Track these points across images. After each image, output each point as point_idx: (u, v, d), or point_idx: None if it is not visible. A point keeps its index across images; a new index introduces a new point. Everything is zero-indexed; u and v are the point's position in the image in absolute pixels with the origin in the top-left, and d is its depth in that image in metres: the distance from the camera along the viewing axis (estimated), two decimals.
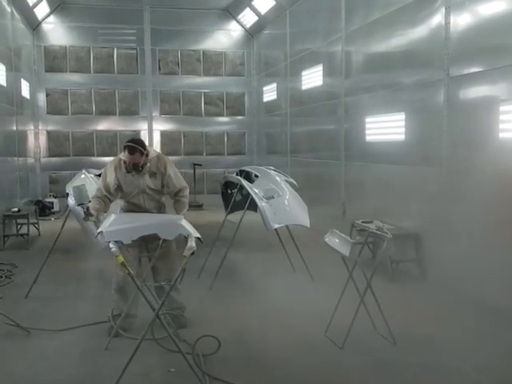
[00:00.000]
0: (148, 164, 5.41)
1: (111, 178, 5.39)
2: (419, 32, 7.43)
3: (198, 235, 4.44)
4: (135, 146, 5.30)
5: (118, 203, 5.65)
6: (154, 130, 15.64)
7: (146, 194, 5.48)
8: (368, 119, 9.07)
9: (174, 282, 4.38)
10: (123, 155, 5.37)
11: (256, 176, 8.45)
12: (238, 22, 16.05)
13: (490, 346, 4.96)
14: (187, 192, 5.80)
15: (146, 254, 5.48)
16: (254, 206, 7.84)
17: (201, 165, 15.67)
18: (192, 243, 4.30)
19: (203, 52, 15.98)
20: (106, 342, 5.03)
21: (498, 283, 5.80)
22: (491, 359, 4.71)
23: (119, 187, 5.42)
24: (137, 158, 5.29)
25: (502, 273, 5.76)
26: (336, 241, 5.17)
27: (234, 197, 8.41)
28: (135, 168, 5.35)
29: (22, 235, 10.21)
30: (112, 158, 5.93)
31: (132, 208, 5.53)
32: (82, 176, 8.43)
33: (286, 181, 8.09)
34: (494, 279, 5.87)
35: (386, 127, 8.50)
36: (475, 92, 6.48)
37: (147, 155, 5.39)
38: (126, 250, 5.02)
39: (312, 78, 11.60)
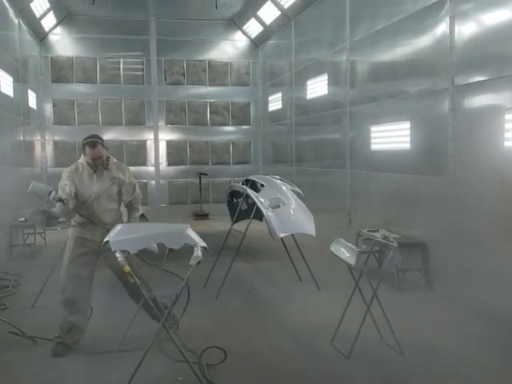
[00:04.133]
0: (111, 161, 5.39)
1: (68, 184, 5.15)
2: (424, 41, 7.45)
3: (204, 244, 4.44)
4: (95, 139, 5.27)
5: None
6: (159, 140, 15.70)
7: (101, 201, 5.29)
8: (373, 128, 9.08)
9: (179, 292, 4.36)
10: (83, 157, 5.31)
11: (262, 185, 8.47)
12: (244, 32, 16.13)
13: (499, 355, 4.94)
14: (140, 199, 5.75)
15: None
16: (259, 215, 7.86)
17: (206, 174, 15.73)
18: (198, 252, 4.30)
19: (209, 62, 16.06)
20: (112, 350, 5.03)
21: (505, 292, 5.77)
22: (500, 367, 4.68)
23: (75, 194, 5.18)
24: (99, 150, 5.25)
25: (510, 281, 5.73)
26: (342, 250, 5.17)
27: (240, 206, 8.43)
28: (100, 163, 5.27)
29: (28, 245, 10.25)
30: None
31: (85, 219, 5.27)
32: None
33: (292, 190, 8.11)
34: (502, 288, 5.84)
35: (391, 136, 8.51)
36: (480, 101, 6.48)
37: (107, 149, 5.37)
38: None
39: (317, 87, 11.63)
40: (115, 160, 5.52)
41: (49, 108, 15.14)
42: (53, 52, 15.12)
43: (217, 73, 16.12)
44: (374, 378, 4.58)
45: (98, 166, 5.29)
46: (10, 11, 11.15)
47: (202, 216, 15.29)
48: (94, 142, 5.26)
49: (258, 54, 16.32)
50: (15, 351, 5.20)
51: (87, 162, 5.28)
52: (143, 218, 9.30)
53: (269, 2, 13.41)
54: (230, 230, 7.91)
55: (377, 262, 7.91)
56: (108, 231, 5.19)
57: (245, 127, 16.52)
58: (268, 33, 14.97)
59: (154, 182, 15.54)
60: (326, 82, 11.09)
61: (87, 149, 5.25)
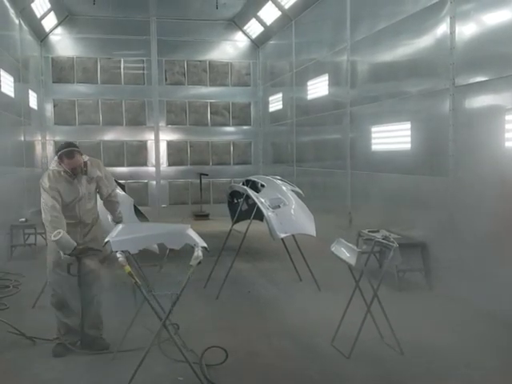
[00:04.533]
0: (88, 165, 5.28)
1: (53, 193, 5.06)
2: (425, 41, 7.45)
3: (205, 245, 4.45)
4: (72, 149, 5.16)
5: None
6: (160, 140, 15.72)
7: (82, 203, 5.26)
8: (374, 128, 9.08)
9: (181, 291, 4.34)
10: (59, 166, 5.17)
11: (262, 185, 8.47)
12: (244, 32, 16.14)
13: (499, 355, 4.94)
14: (116, 193, 5.74)
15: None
16: (260, 216, 7.87)
17: (207, 174, 15.73)
18: (198, 253, 4.30)
19: (209, 62, 16.07)
20: (112, 351, 5.03)
21: (505, 292, 5.77)
22: (499, 368, 4.68)
23: (60, 200, 5.12)
24: (77, 160, 5.15)
25: (510, 281, 5.72)
26: (342, 250, 5.17)
27: (240, 206, 8.43)
28: (79, 171, 5.18)
29: (29, 245, 10.25)
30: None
31: (67, 221, 5.13)
32: None
33: (292, 190, 8.11)
34: (502, 288, 5.84)
35: (391, 136, 8.51)
36: (481, 101, 6.48)
37: (82, 154, 5.26)
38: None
39: (318, 87, 11.63)
40: (88, 158, 5.39)
41: (49, 108, 15.14)
42: (53, 52, 15.13)
43: (217, 73, 16.13)
44: (374, 378, 4.58)
45: (77, 173, 5.21)
46: (11, 11, 11.16)
47: (202, 216, 15.29)
48: (71, 151, 5.15)
49: (259, 55, 16.32)
50: (15, 351, 5.21)
51: (65, 171, 5.16)
52: (144, 218, 9.32)
53: (269, 3, 13.41)
54: (230, 230, 7.91)
55: (377, 263, 7.92)
56: (89, 232, 5.27)
57: (245, 127, 16.53)
58: (268, 33, 14.97)
59: (154, 182, 15.56)
60: (327, 82, 11.09)
61: (65, 159, 5.13)
